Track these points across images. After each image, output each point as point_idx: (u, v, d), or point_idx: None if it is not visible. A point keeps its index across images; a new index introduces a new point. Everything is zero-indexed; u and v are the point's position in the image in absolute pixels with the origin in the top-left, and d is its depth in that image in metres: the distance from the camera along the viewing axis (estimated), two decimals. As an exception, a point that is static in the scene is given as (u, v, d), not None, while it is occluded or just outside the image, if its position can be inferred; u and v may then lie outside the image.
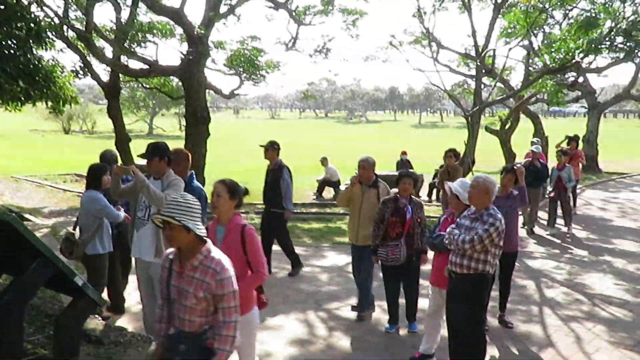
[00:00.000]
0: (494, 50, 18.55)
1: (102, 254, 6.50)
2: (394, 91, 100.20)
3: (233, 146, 30.59)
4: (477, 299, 5.43)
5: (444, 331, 5.96)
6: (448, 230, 5.56)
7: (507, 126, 20.16)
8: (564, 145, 15.11)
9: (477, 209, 5.43)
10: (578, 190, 18.45)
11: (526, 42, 20.58)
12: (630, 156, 30.74)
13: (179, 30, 15.14)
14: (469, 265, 5.33)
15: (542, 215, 13.58)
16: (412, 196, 6.92)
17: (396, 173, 17.64)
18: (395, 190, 7.05)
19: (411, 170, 17.65)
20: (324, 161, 17.94)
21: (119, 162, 8.55)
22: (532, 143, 13.83)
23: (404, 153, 18.23)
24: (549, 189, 13.00)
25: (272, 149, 9.14)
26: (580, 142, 15.59)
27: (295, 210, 14.62)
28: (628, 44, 17.45)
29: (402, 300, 7.08)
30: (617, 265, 10.17)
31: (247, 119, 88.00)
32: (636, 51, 18.50)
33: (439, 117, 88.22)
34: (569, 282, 9.16)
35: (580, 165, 15.35)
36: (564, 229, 12.68)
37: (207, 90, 15.56)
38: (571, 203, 13.44)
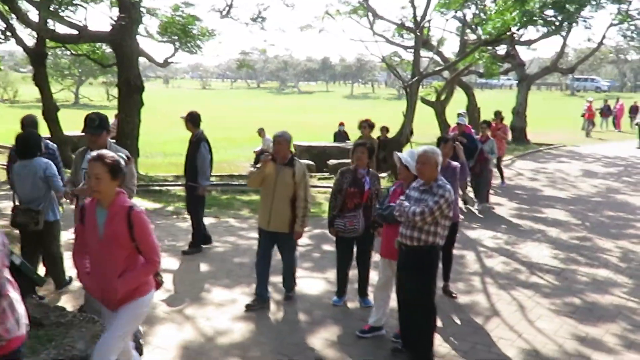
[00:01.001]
0: (429, 21, 18.68)
1: (59, 219, 6.65)
2: (327, 62, 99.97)
3: (166, 116, 29.87)
4: (428, 271, 5.44)
5: (393, 303, 5.96)
6: (397, 202, 5.52)
7: (442, 97, 20.40)
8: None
9: (426, 181, 5.41)
10: (509, 161, 19.01)
11: (461, 14, 20.81)
12: (555, 128, 31.79)
13: (108, -6, 14.49)
14: (419, 237, 5.31)
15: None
16: (370, 168, 6.84)
17: (334, 145, 17.81)
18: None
19: (348, 141, 17.76)
20: (261, 132, 17.72)
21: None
22: (459, 115, 13.23)
23: (341, 124, 18.23)
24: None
25: (190, 121, 8.78)
26: (502, 115, 15.64)
27: (233, 183, 14.46)
28: (559, 17, 17.86)
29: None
30: (551, 234, 10.48)
31: (177, 89, 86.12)
32: (566, 24, 19.00)
33: (371, 89, 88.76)
34: (506, 252, 9.37)
35: (504, 140, 15.36)
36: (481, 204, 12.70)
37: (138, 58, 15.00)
38: (491, 178, 13.39)
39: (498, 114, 15.27)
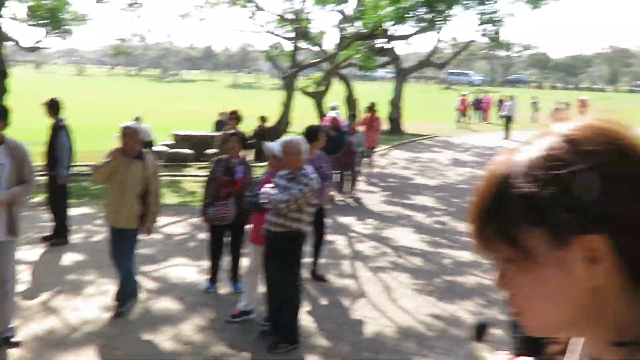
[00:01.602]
0: (309, 14, 19.01)
1: None
2: (210, 50, 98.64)
3: (35, 103, 28.42)
4: (293, 256, 5.66)
5: (263, 288, 6.13)
6: (264, 189, 5.67)
7: (321, 89, 20.81)
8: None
9: (292, 170, 5.61)
10: (385, 150, 19.76)
11: (340, 8, 21.31)
12: (431, 119, 33.28)
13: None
14: (284, 223, 5.51)
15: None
16: (242, 156, 6.96)
17: (214, 134, 17.70)
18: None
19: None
20: (137, 121, 17.28)
21: None
22: (332, 108, 13.23)
23: (222, 113, 18.13)
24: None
25: (50, 107, 8.67)
26: (375, 108, 16.15)
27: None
28: (431, 15, 18.75)
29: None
30: (418, 220, 11.08)
31: (50, 75, 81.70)
32: (437, 21, 19.98)
33: (255, 78, 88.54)
34: (375, 236, 9.81)
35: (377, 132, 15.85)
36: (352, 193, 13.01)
37: (3, 42, 14.20)
38: (359, 168, 13.55)
39: (371, 107, 15.78)
